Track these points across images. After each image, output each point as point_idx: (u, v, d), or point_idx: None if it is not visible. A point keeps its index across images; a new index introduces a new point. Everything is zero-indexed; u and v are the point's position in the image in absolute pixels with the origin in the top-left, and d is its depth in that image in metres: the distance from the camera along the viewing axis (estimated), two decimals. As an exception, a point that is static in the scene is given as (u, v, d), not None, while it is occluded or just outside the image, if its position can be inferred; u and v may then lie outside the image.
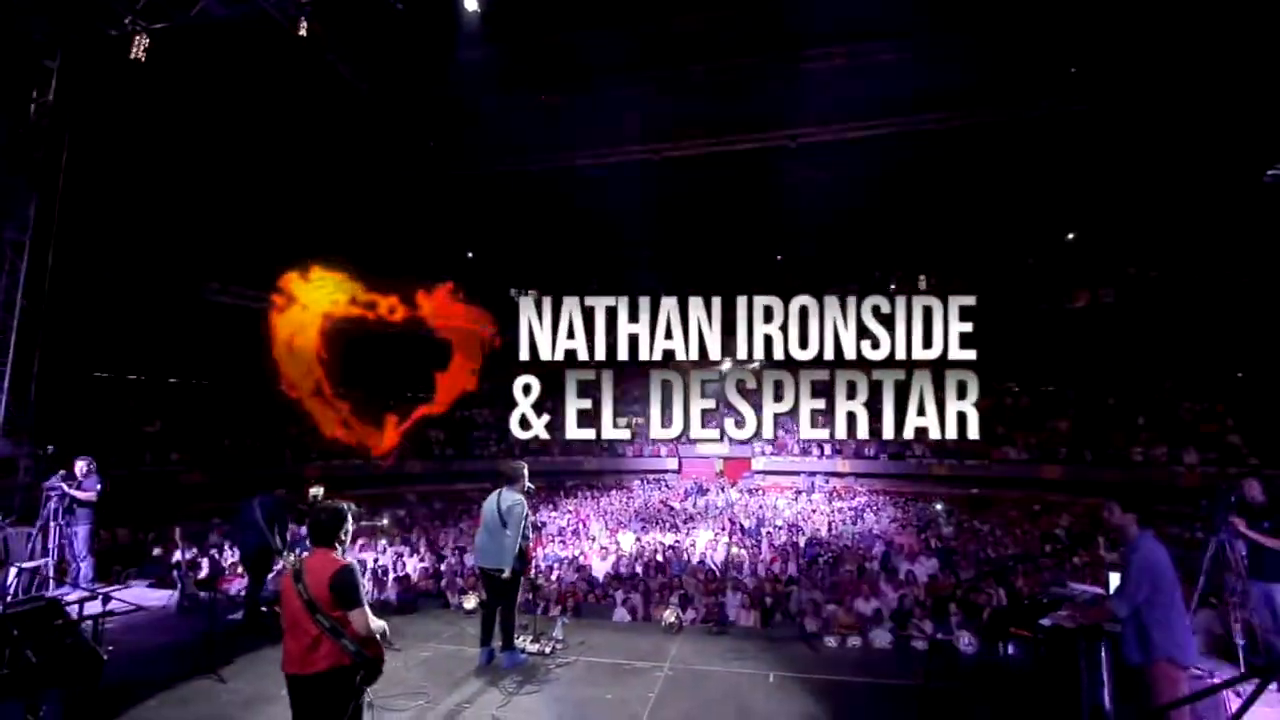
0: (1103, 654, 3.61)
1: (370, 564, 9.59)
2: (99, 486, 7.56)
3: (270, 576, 6.37)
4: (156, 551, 10.19)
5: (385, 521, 15.58)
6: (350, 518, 2.97)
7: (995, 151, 17.68)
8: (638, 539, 12.73)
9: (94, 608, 3.50)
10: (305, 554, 2.93)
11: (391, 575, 9.10)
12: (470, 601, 7.03)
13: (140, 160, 15.59)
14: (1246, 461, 13.75)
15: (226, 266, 19.55)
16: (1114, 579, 3.72)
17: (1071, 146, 16.79)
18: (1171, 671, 3.12)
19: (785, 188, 19.79)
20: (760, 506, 17.79)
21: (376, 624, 2.82)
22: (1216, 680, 3.41)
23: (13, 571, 7.11)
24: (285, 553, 6.22)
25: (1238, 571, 4.83)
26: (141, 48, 9.33)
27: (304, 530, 10.84)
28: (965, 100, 15.72)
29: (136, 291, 16.88)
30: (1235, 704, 3.59)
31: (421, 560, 10.78)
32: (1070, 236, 22.58)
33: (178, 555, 7.48)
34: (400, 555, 10.98)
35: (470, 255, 26.03)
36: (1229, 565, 4.89)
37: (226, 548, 10.36)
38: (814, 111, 16.40)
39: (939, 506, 16.81)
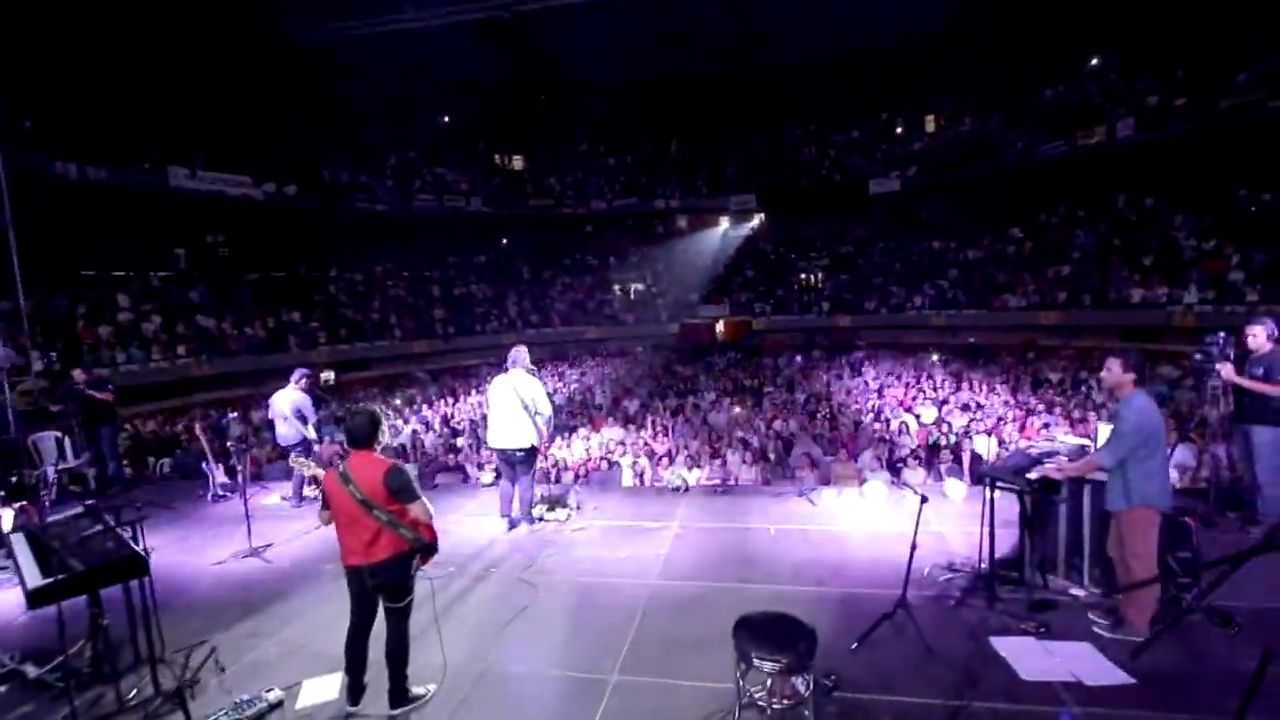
0: (1085, 498, 3.85)
1: (389, 442, 10.03)
2: (110, 387, 7.75)
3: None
4: (184, 439, 10.69)
5: (398, 401, 16.08)
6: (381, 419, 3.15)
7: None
8: (643, 405, 13.17)
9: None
10: (342, 457, 3.05)
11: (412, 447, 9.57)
12: (487, 475, 7.44)
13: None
14: (1245, 299, 13.74)
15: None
16: (1103, 430, 3.85)
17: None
18: (1147, 514, 3.33)
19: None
20: (761, 367, 18.23)
21: (430, 509, 3.04)
22: (1190, 521, 3.64)
23: (50, 472, 7.53)
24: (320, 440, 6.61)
25: (1223, 414, 4.87)
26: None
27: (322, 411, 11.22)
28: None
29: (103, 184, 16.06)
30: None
31: (438, 435, 11.25)
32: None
33: (204, 445, 7.77)
34: (417, 432, 11.44)
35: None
36: (1217, 404, 4.87)
37: (250, 436, 10.78)
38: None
39: (935, 357, 17.19)
